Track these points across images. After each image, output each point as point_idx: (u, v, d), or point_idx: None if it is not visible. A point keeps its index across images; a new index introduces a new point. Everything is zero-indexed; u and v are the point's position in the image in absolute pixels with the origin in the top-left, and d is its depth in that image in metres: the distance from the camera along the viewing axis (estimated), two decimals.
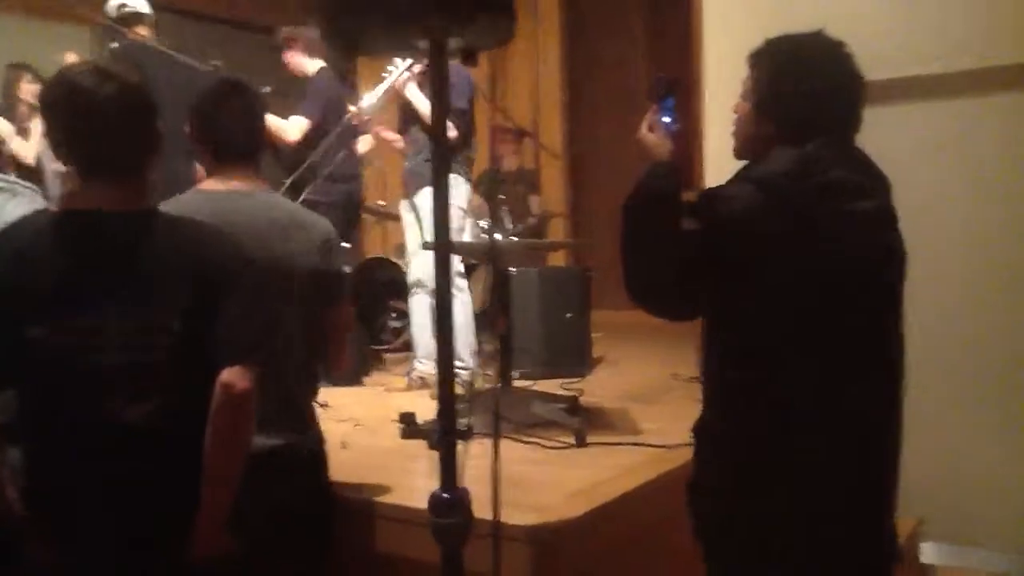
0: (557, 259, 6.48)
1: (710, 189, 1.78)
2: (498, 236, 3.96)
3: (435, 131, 1.79)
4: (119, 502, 1.64)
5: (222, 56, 3.98)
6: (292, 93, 4.15)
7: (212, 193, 2.09)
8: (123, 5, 4.23)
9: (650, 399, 3.42)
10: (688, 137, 4.16)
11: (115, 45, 4.16)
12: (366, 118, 3.99)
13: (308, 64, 4.17)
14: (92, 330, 1.62)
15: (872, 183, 1.67)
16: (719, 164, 2.44)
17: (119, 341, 1.62)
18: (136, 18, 4.24)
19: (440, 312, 1.77)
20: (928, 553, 3.43)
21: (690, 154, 3.94)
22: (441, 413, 1.75)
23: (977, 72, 3.29)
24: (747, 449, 1.63)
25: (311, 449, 2.11)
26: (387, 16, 1.68)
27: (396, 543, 2.14)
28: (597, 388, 3.76)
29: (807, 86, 1.66)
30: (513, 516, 1.96)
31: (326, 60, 4.17)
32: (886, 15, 3.25)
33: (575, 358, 4.16)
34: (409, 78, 3.72)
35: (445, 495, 1.71)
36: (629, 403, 3.36)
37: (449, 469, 1.72)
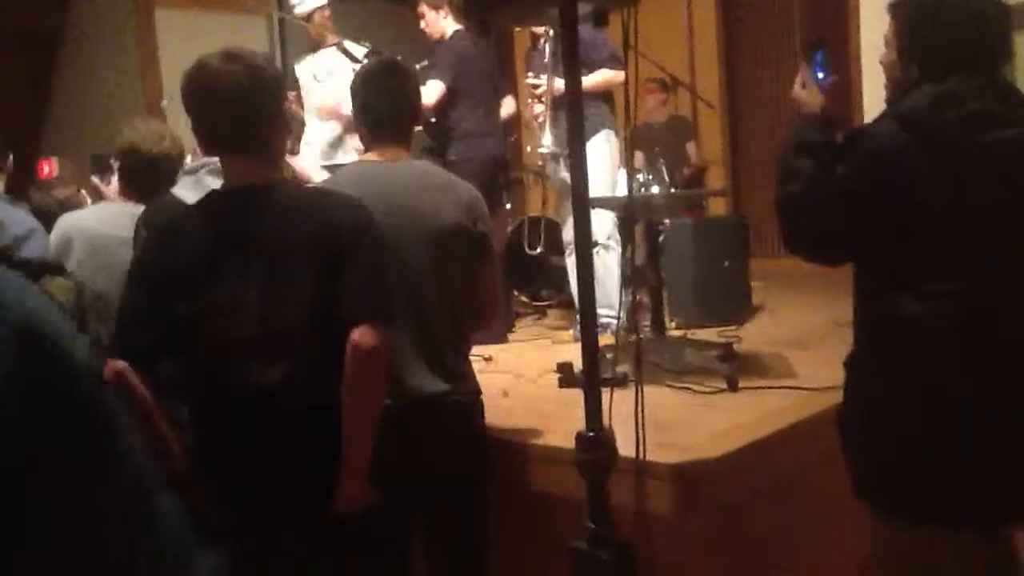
0: (717, 208, 6.41)
1: (853, 129, 1.84)
2: (654, 189, 3.99)
3: (573, 96, 1.90)
4: (265, 461, 1.79)
5: (383, 32, 4.13)
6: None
7: (367, 163, 2.30)
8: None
9: (807, 345, 3.39)
10: (843, 89, 4.04)
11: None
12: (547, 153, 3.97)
13: (446, 27, 4.21)
14: (229, 302, 1.77)
15: (1015, 113, 1.67)
16: (875, 113, 2.43)
17: (252, 310, 1.77)
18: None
19: (580, 264, 1.90)
20: None
21: (846, 106, 3.85)
22: (584, 358, 1.88)
23: None
24: (894, 375, 1.69)
25: (462, 399, 2.24)
26: None
27: (548, 481, 2.30)
28: (755, 335, 3.76)
29: (943, 21, 1.71)
30: (658, 455, 2.07)
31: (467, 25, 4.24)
32: None
33: (733, 307, 4.16)
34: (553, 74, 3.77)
35: (590, 433, 1.85)
36: (786, 349, 3.36)
37: (593, 409, 1.86)
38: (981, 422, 1.63)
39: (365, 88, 2.32)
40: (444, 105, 4.14)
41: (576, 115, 1.88)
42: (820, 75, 1.87)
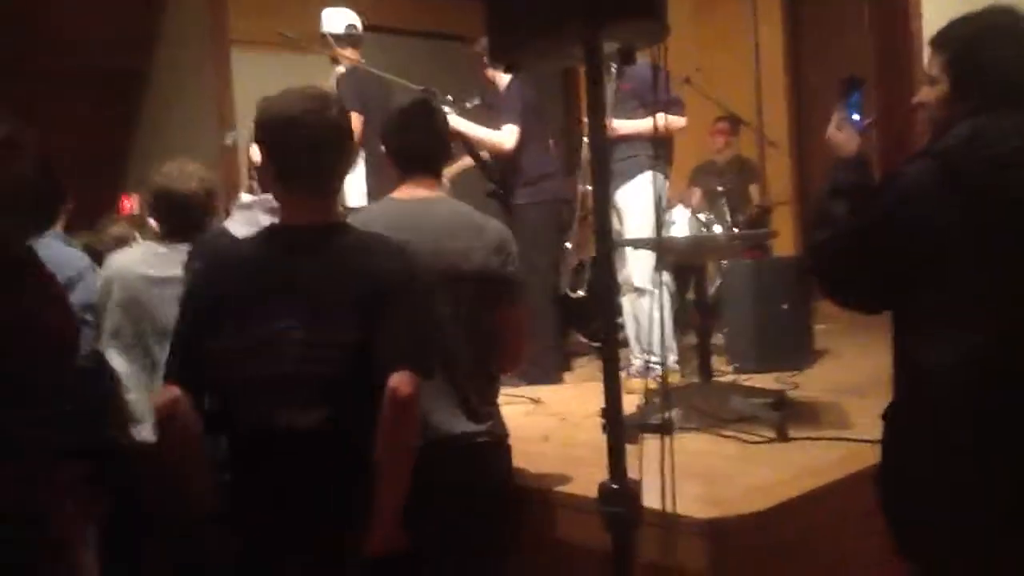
0: (785, 248, 6.22)
1: (889, 169, 1.76)
2: (715, 229, 3.90)
3: (597, 136, 1.86)
4: (297, 501, 1.76)
5: (433, 71, 4.13)
6: (495, 104, 4.27)
7: (398, 201, 2.29)
8: (351, 26, 4.47)
9: (867, 393, 3.23)
10: (909, 120, 3.91)
11: (341, 70, 4.46)
12: None
13: (500, 75, 4.21)
14: (269, 339, 1.76)
15: None
16: None
17: (294, 351, 1.75)
18: (355, 40, 4.47)
19: (602, 306, 1.84)
20: None
21: (910, 136, 3.73)
22: (607, 405, 1.81)
23: None
24: (918, 422, 1.62)
25: (486, 441, 2.20)
26: (537, 29, 1.78)
27: (574, 530, 2.22)
28: (814, 382, 3.62)
29: (1006, 52, 1.64)
30: (692, 508, 1.98)
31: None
32: None
33: (793, 351, 4.02)
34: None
35: (614, 485, 1.78)
36: (844, 397, 3.22)
37: (617, 459, 1.78)
38: (1004, 474, 1.54)
39: (398, 124, 2.33)
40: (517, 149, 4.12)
41: (601, 155, 1.84)
42: (856, 117, 1.81)
